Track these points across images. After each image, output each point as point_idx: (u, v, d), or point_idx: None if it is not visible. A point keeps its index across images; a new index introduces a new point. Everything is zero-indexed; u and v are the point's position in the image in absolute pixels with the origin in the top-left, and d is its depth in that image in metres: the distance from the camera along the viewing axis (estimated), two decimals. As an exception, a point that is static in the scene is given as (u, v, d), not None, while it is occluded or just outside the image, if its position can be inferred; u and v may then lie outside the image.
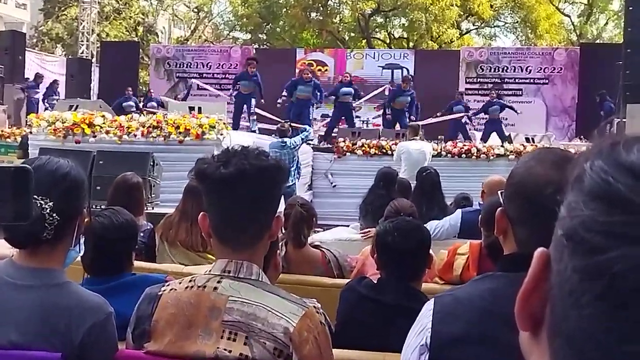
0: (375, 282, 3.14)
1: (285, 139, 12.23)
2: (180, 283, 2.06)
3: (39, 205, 2.01)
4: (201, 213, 2.04)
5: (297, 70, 21.35)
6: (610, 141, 0.67)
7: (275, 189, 2.06)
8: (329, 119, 18.85)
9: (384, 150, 14.44)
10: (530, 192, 1.71)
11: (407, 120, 17.16)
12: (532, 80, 22.39)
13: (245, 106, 17.45)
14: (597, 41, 34.38)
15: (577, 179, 0.66)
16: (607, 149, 0.66)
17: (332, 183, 14.85)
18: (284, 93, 17.50)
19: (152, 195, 9.69)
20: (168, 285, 2.08)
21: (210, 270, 2.03)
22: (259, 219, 2.01)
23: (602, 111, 17.27)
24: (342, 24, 35.55)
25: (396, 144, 14.06)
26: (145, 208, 6.37)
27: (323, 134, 18.00)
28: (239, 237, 2.01)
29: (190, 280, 2.04)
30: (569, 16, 36.45)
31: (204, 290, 1.98)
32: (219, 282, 1.98)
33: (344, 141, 15.01)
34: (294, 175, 11.96)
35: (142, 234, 5.09)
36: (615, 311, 0.61)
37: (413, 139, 12.17)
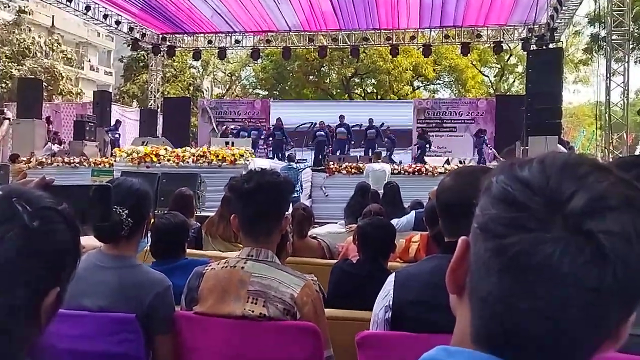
0: (355, 262, 3.13)
1: (292, 163, 12.20)
2: (218, 264, 2.04)
3: (117, 212, 2.00)
4: (232, 215, 2.03)
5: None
6: (510, 162, 0.68)
7: (284, 198, 2.04)
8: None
9: (361, 171, 14.40)
10: (438, 195, 1.72)
11: (347, 147, 18.15)
12: (463, 121, 22.31)
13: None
14: (508, 93, 34.40)
15: (487, 188, 0.67)
16: (507, 168, 0.66)
17: (325, 194, 14.81)
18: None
19: (200, 204, 9.64)
20: (210, 265, 2.06)
21: (239, 255, 2.02)
22: (272, 219, 2.00)
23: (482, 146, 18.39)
24: (330, 84, 35.58)
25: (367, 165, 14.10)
26: (195, 212, 6.34)
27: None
28: (258, 232, 1.99)
29: (225, 262, 2.02)
30: (487, 76, 36.56)
31: (235, 268, 1.97)
32: (245, 263, 1.97)
33: (333, 164, 15.01)
34: (298, 189, 11.93)
35: (192, 230, 5.05)
36: (514, 278, 0.61)
37: (377, 162, 12.14)
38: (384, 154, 12.72)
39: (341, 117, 18.76)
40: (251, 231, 2.00)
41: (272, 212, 1.99)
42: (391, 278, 1.82)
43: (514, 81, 36.73)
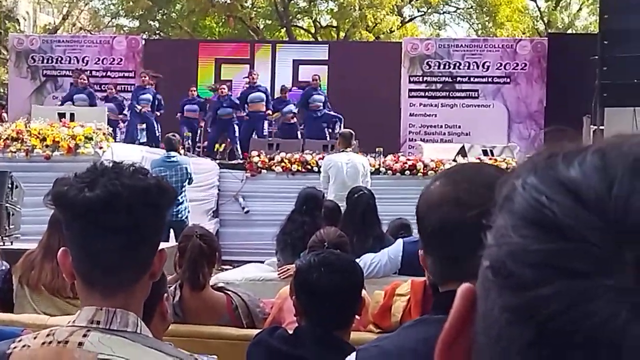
0: (292, 332, 3.12)
1: (174, 154, 11.99)
2: (35, 338, 1.99)
3: None
4: (61, 249, 1.99)
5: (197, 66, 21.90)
6: (548, 153, 0.68)
7: (156, 216, 2.02)
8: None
9: (309, 167, 14.47)
10: (421, 215, 1.75)
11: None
12: (490, 79, 22.64)
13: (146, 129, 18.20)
14: (569, 31, 35.08)
15: (507, 199, 0.67)
16: (543, 163, 0.67)
17: (243, 208, 14.82)
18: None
19: (10, 227, 9.49)
20: (20, 341, 2.02)
21: (74, 321, 1.98)
22: (136, 255, 1.98)
23: None
24: (254, 9, 35.53)
25: (324, 158, 14.12)
26: (1, 243, 6.26)
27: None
28: (110, 279, 1.96)
29: (48, 335, 1.97)
30: (534, 0, 37.16)
31: (66, 346, 1.93)
32: (84, 335, 1.93)
33: (258, 156, 14.98)
34: (184, 203, 11.81)
35: (-5, 277, 5.00)
36: None
37: (344, 151, 12.07)
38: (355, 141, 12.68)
39: (252, 74, 19.26)
40: (96, 278, 1.97)
41: (134, 243, 1.97)
42: (350, 361, 1.83)
43: (580, 9, 37.46)
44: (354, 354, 1.83)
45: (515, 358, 0.63)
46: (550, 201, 0.63)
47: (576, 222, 0.62)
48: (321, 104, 18.75)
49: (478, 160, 13.41)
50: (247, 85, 19.26)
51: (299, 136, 18.37)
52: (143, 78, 18.96)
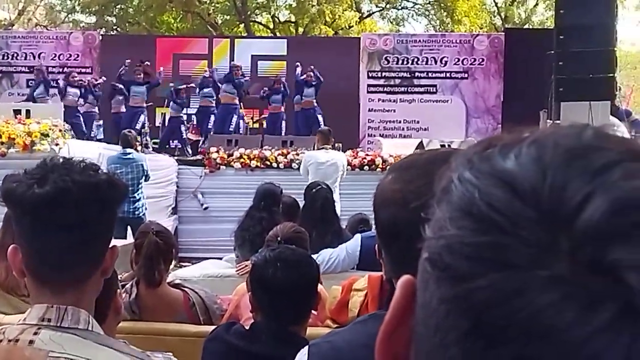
0: (248, 328, 3.12)
1: (130, 151, 11.89)
2: (-16, 337, 1.98)
3: None
4: (11, 246, 1.97)
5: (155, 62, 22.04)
6: (484, 145, 0.68)
7: (107, 212, 2.00)
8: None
9: (268, 162, 14.46)
10: (377, 209, 1.75)
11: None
12: (448, 75, 22.73)
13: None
14: (526, 26, 35.26)
15: (444, 192, 0.67)
16: (479, 155, 0.67)
17: (202, 204, 14.76)
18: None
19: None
20: (-31, 340, 2.00)
21: (24, 319, 1.96)
22: (86, 251, 1.96)
23: None
24: (213, 5, 35.37)
25: (283, 154, 14.14)
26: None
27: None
28: (59, 276, 1.94)
29: (-1, 332, 1.97)
30: (491, -4, 37.34)
31: (17, 344, 1.91)
32: (35, 333, 1.91)
33: (217, 152, 14.93)
34: (141, 199, 11.75)
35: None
36: (484, 352, 0.61)
37: (323, 148, 12.11)
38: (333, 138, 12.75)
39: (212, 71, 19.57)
40: (46, 275, 1.95)
41: (85, 239, 1.95)
42: (301, 357, 1.82)
43: (537, 4, 37.68)
44: (306, 348, 1.82)
45: (453, 348, 0.63)
46: (486, 193, 0.63)
47: (511, 214, 0.62)
48: (312, 99, 19.43)
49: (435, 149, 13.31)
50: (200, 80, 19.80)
51: (284, 128, 19.07)
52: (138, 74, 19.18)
